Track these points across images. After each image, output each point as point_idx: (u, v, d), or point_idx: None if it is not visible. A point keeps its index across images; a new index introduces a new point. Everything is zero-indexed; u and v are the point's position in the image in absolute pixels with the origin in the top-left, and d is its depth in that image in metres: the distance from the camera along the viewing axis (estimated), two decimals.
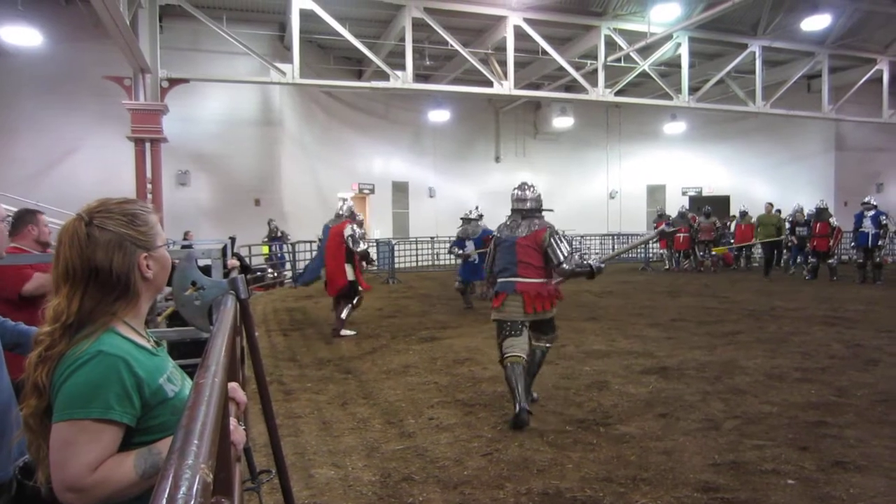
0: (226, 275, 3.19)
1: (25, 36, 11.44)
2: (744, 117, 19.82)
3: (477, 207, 11.56)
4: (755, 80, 16.25)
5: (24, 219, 3.60)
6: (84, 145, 13.93)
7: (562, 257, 4.69)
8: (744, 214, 16.48)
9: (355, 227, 8.22)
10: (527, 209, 5.00)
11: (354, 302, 8.27)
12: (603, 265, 4.89)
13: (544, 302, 4.71)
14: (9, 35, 11.49)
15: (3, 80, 13.32)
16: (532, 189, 5.08)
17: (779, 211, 16.42)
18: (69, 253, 1.33)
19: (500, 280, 4.86)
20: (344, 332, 8.07)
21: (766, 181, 22.15)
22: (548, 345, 4.97)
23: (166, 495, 0.55)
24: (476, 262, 9.94)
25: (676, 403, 4.75)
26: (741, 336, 7.34)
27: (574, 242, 18.57)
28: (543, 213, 5.06)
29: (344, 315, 8.11)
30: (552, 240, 4.74)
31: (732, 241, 16.94)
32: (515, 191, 5.12)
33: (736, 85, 17.03)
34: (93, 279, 1.33)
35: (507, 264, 4.82)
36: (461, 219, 11.22)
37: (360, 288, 8.28)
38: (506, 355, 4.60)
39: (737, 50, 16.06)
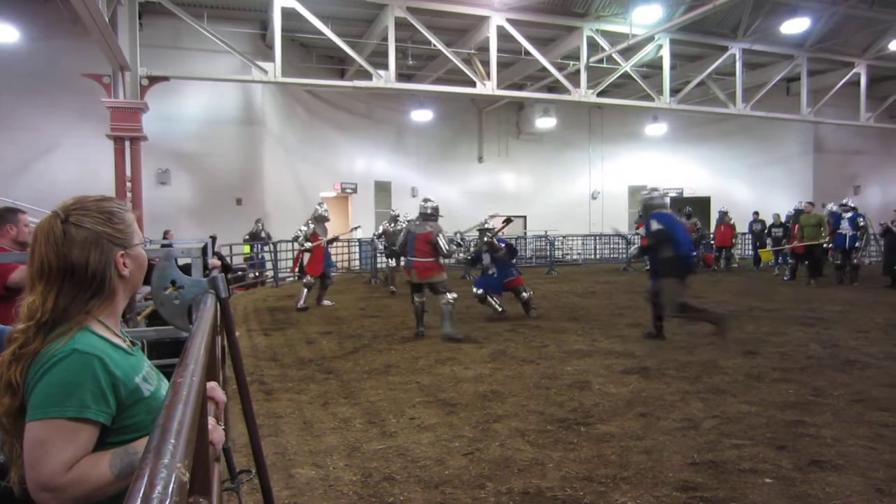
0: (206, 275, 3.17)
1: (2, 32, 11.25)
2: (724, 119, 20.05)
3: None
4: (735, 82, 16.47)
5: (3, 217, 3.54)
6: (63, 143, 13.71)
7: (444, 249, 7.77)
8: (723, 215, 16.67)
9: (303, 227, 10.85)
10: (428, 214, 8.06)
11: (304, 281, 10.71)
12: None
13: (429, 272, 7.78)
14: None
15: None
16: (432, 202, 8.18)
17: (757, 213, 16.59)
18: (45, 250, 1.32)
19: (407, 258, 8.13)
20: (300, 302, 10.35)
21: (746, 183, 22.44)
22: (448, 301, 7.63)
23: (141, 494, 0.54)
24: (495, 274, 9.20)
25: (657, 403, 4.79)
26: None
27: (556, 242, 18.75)
28: (438, 218, 8.11)
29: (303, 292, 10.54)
30: (437, 238, 7.73)
31: (713, 241, 17.12)
32: (421, 203, 8.23)
33: (716, 87, 17.23)
34: (68, 277, 1.32)
35: (410, 249, 7.96)
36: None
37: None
38: (414, 300, 7.94)
39: (717, 52, 16.27)
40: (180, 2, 12.31)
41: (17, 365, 1.25)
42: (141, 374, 1.37)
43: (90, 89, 11.39)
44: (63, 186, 12.52)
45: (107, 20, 9.09)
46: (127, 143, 11.18)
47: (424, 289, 7.90)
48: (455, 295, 7.84)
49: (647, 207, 7.60)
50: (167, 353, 3.58)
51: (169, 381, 1.47)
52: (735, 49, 16.05)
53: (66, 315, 1.31)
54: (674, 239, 7.08)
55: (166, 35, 13.47)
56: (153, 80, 11.58)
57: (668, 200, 7.93)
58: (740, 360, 6.15)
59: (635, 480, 3.41)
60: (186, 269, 2.79)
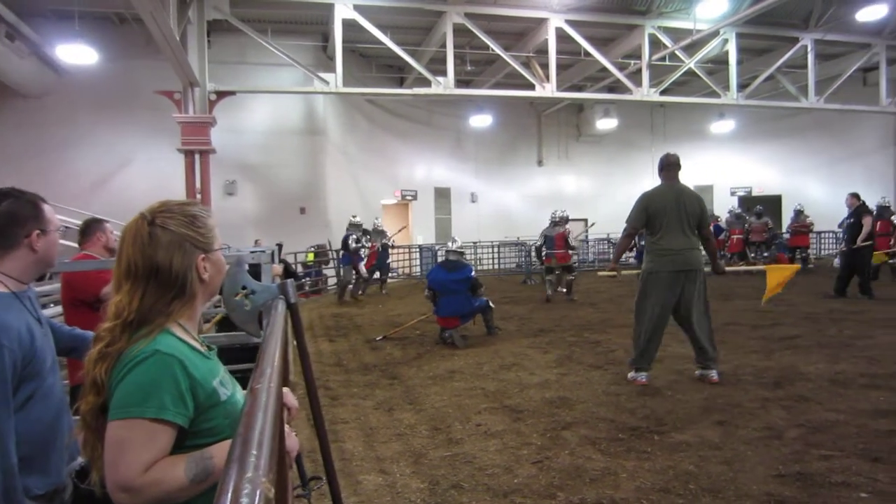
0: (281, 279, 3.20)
1: (82, 54, 11.83)
2: (796, 114, 19.21)
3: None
4: (808, 74, 15.72)
5: (92, 227, 3.80)
6: (137, 158, 14.35)
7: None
8: (799, 213, 15.93)
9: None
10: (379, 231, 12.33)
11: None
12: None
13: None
14: (66, 54, 11.91)
15: (62, 97, 13.84)
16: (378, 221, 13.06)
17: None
18: (132, 251, 1.34)
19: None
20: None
21: (820, 180, 21.42)
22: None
23: None
24: None
25: (734, 410, 4.56)
26: (799, 340, 7.04)
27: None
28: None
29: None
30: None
31: (787, 242, 16.39)
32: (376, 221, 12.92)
33: (787, 80, 16.51)
34: (153, 277, 1.34)
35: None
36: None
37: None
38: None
39: (788, 44, 15.57)
40: (246, 18, 12.70)
41: (102, 363, 1.27)
42: (218, 377, 1.38)
43: (162, 105, 11.88)
44: (138, 198, 12.97)
45: (178, 39, 9.45)
46: (196, 157, 11.59)
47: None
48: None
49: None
50: (235, 359, 3.63)
51: (243, 386, 1.47)
52: (806, 40, 15.33)
53: (150, 315, 1.32)
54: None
55: (232, 51, 13.94)
56: (221, 94, 11.98)
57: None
58: (823, 365, 5.81)
59: (716, 492, 3.24)
60: (255, 274, 2.83)
